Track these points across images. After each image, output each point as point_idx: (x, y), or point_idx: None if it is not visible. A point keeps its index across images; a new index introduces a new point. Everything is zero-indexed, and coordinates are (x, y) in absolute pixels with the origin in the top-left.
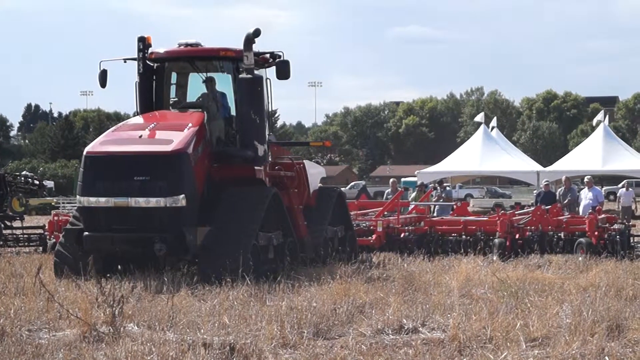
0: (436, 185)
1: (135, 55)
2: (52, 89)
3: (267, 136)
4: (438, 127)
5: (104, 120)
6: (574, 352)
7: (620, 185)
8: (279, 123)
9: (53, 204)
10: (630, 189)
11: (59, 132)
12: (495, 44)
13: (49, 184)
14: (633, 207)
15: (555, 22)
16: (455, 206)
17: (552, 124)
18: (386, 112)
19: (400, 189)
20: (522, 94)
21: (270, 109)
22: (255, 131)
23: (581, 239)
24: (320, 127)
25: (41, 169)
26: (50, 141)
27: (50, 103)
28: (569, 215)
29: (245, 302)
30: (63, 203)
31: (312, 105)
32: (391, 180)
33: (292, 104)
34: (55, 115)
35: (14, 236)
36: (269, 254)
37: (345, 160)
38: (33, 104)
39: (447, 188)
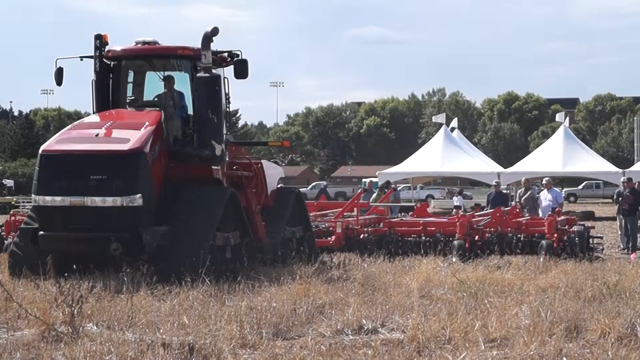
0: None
1: (92, 53)
2: (13, 88)
3: (224, 136)
4: (399, 127)
5: (64, 119)
6: (532, 352)
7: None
8: (241, 123)
9: (13, 203)
10: None
11: (19, 131)
12: (456, 45)
13: (9, 183)
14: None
15: (515, 23)
16: (415, 207)
17: (513, 125)
18: (348, 113)
19: (362, 189)
20: (483, 95)
21: (228, 109)
22: (213, 130)
23: (543, 242)
24: (281, 127)
25: (1, 167)
26: (10, 140)
27: (11, 101)
28: (528, 217)
29: (204, 302)
30: (23, 202)
31: (274, 105)
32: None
33: (253, 103)
34: (16, 113)
35: None
36: (226, 254)
37: (307, 160)
38: None
39: (397, 189)
